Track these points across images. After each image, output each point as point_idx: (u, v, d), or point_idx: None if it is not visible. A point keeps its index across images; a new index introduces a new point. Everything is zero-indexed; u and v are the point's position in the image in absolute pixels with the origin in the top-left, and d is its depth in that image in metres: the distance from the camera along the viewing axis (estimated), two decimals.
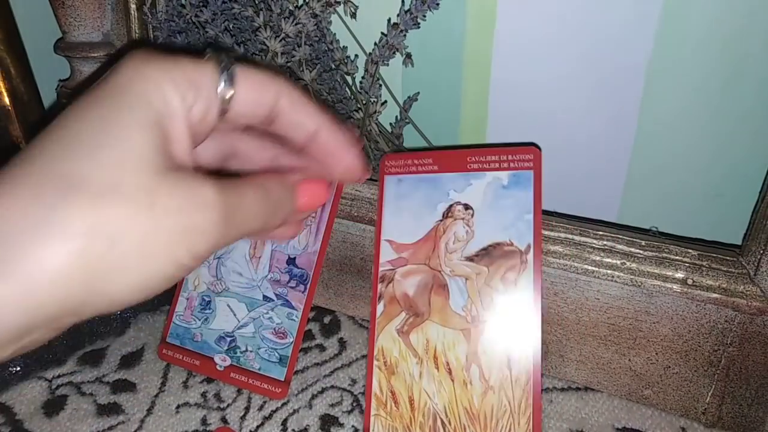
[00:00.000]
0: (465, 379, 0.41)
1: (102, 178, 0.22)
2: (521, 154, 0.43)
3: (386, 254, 0.45)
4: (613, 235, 0.43)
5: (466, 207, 0.43)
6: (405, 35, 0.49)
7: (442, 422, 0.41)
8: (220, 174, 0.26)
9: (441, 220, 0.44)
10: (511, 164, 0.43)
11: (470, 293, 0.42)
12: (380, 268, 0.45)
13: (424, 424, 0.41)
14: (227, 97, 0.27)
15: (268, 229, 0.29)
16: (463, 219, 0.43)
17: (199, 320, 0.49)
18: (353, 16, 0.51)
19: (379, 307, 0.44)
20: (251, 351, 0.47)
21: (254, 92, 0.28)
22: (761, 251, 0.40)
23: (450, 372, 0.42)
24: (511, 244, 0.42)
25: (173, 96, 0.25)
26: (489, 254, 0.42)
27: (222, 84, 0.26)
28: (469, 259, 0.43)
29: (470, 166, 0.44)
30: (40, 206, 0.21)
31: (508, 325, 0.41)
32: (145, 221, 0.23)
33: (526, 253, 0.41)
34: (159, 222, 0.23)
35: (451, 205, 0.44)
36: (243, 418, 0.45)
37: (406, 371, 0.43)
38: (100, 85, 0.24)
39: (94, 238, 0.22)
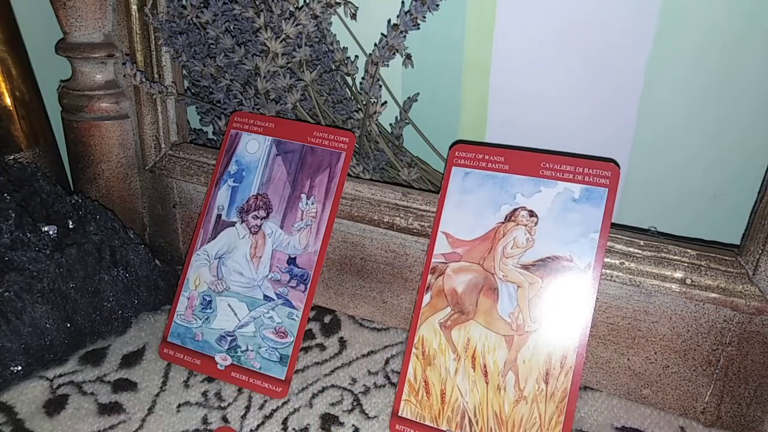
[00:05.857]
0: (499, 384, 0.41)
1: None
2: (599, 168, 0.41)
3: (441, 246, 0.44)
4: (612, 234, 0.43)
5: (531, 214, 0.42)
6: (405, 36, 0.49)
7: (470, 421, 0.41)
8: None
9: (502, 223, 0.43)
10: (586, 177, 0.41)
11: (520, 301, 0.41)
12: (433, 260, 0.44)
13: (451, 419, 0.42)
14: None
15: None
16: (525, 225, 0.42)
17: (200, 320, 0.50)
18: (353, 17, 0.51)
19: (426, 298, 0.44)
20: (252, 350, 0.48)
21: None
22: (760, 251, 0.40)
23: (486, 374, 0.41)
24: (571, 260, 0.41)
25: None
26: (546, 266, 0.41)
27: None
28: (525, 267, 0.42)
29: (542, 172, 0.43)
30: None
31: (553, 341, 0.40)
32: None
33: (585, 272, 0.41)
34: None
35: (515, 209, 0.43)
36: (244, 417, 0.45)
37: (443, 365, 0.43)
38: None
39: None
